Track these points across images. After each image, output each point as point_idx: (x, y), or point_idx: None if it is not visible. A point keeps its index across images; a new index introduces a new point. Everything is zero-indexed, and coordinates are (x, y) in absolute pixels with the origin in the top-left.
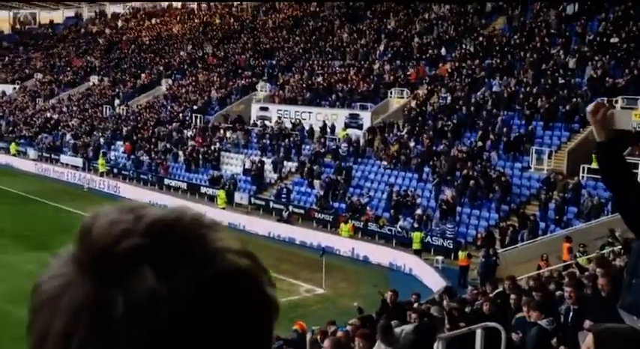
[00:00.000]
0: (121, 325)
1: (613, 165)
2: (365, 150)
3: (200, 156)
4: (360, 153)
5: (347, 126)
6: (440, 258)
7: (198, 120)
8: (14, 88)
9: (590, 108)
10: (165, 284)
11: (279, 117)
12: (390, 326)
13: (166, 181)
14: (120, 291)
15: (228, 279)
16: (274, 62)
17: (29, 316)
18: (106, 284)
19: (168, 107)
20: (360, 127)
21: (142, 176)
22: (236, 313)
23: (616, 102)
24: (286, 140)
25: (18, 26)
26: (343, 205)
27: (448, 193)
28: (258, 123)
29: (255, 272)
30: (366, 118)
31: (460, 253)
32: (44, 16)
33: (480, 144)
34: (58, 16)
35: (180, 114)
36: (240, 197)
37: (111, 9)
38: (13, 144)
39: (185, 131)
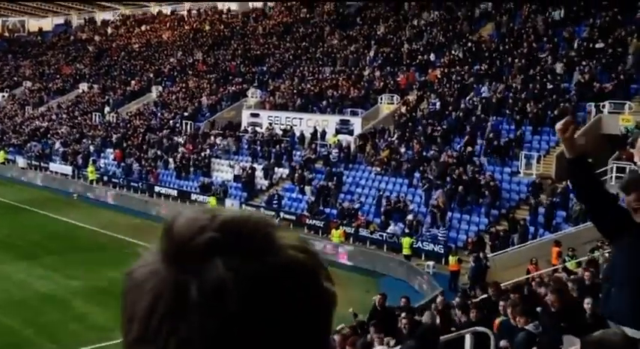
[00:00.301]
0: (193, 309)
1: (583, 179)
2: (356, 155)
3: (190, 163)
4: (351, 159)
5: (338, 132)
6: (431, 263)
7: (188, 127)
8: (3, 96)
9: (559, 126)
10: (232, 275)
11: (270, 124)
12: (369, 345)
13: (157, 188)
14: (194, 279)
15: (289, 272)
16: (265, 68)
17: (121, 299)
18: (183, 272)
19: (159, 114)
20: (350, 133)
21: (132, 183)
22: (295, 303)
23: (603, 106)
24: (277, 146)
25: (6, 34)
26: (334, 211)
27: (439, 198)
28: (249, 129)
29: (314, 267)
30: (356, 124)
31: (451, 258)
32: (33, 23)
33: (469, 149)
34: (47, 23)
35: (171, 121)
36: (230, 203)
37: (100, 16)
38: (1, 152)
39: (175, 138)
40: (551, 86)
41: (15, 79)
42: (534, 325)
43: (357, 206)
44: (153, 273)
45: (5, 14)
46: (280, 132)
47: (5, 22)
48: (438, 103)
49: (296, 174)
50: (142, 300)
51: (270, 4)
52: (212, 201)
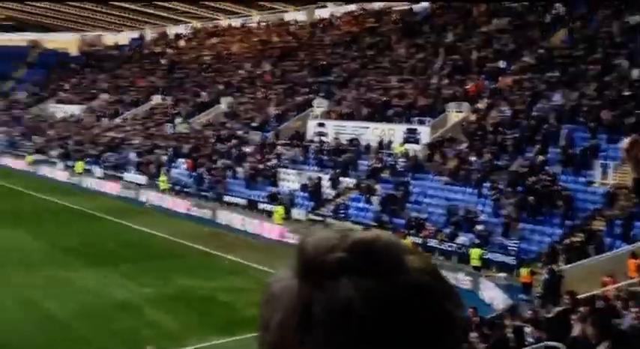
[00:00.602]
0: (320, 325)
1: None
2: (423, 165)
3: (259, 173)
4: (419, 169)
5: (405, 141)
6: (502, 274)
7: (256, 137)
8: (81, 109)
9: (624, 145)
10: (359, 294)
11: (336, 133)
12: None
13: (226, 198)
14: (322, 296)
15: (415, 294)
16: (331, 78)
17: (260, 308)
18: (312, 289)
19: (228, 124)
20: (417, 142)
21: (202, 193)
22: (421, 326)
23: None
24: (343, 156)
25: (85, 48)
26: (402, 221)
27: (509, 208)
28: (315, 139)
29: (441, 291)
30: (424, 133)
31: (522, 270)
32: (109, 37)
33: (541, 158)
34: (123, 37)
35: (239, 132)
36: (297, 213)
37: (173, 30)
38: (80, 162)
39: (244, 148)
40: (627, 93)
41: (92, 91)
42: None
43: (424, 216)
44: (286, 288)
45: (83, 29)
46: (346, 142)
47: (83, 36)
48: (509, 111)
49: (362, 184)
50: (276, 313)
51: (336, 14)
52: (280, 210)
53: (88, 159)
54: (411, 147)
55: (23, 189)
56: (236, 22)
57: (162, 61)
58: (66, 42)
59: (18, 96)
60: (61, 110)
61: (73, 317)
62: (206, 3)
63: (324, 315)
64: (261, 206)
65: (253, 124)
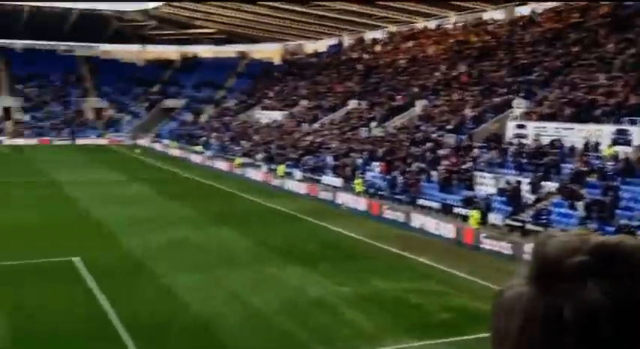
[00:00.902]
0: (569, 332)
1: None
2: (635, 168)
3: (454, 176)
4: (630, 172)
5: (614, 142)
6: None
7: (451, 140)
8: (283, 115)
9: None
10: (607, 299)
11: (537, 135)
12: None
13: (420, 201)
14: (568, 301)
15: None
16: (532, 77)
17: (492, 316)
18: (555, 294)
19: (422, 127)
20: (629, 144)
21: (396, 196)
22: None
23: None
24: (544, 158)
25: (288, 57)
26: (611, 228)
27: None
28: (514, 141)
29: None
30: (635, 134)
31: None
32: (309, 46)
33: None
34: (322, 45)
35: (434, 135)
36: (494, 218)
37: (369, 35)
38: (282, 166)
39: (438, 151)
40: None
41: (293, 98)
42: None
43: (636, 223)
44: (520, 295)
45: (286, 39)
46: (548, 144)
47: (286, 46)
48: None
49: (566, 189)
50: (512, 321)
51: (538, 10)
52: (475, 215)
53: (288, 162)
54: (622, 149)
55: (233, 190)
56: (431, 24)
57: (359, 67)
58: (270, 52)
59: (228, 104)
60: (265, 116)
61: (276, 313)
62: (403, 7)
63: (573, 320)
64: (455, 210)
65: (448, 127)
